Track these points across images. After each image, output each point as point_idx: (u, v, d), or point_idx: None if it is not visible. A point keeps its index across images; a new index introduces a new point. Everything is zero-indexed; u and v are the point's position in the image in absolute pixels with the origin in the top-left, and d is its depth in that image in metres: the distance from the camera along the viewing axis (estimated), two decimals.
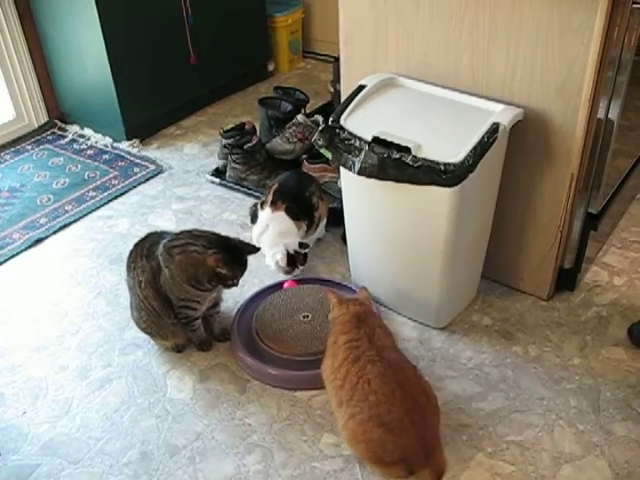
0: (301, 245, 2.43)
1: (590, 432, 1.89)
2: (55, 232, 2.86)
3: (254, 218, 2.53)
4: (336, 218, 2.55)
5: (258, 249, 2.13)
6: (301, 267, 2.45)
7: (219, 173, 3.10)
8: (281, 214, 2.44)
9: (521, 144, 2.07)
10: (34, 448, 1.96)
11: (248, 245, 2.11)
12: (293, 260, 2.41)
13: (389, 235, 2.13)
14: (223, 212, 2.89)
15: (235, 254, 2.05)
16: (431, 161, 1.85)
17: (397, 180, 1.90)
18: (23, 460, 1.93)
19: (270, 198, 2.48)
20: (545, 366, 2.09)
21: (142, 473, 1.87)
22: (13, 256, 2.74)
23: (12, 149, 3.47)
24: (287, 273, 2.43)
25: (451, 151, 1.87)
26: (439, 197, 1.89)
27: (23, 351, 2.29)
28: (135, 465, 1.90)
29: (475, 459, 1.84)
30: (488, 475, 1.80)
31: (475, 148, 1.86)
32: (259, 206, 2.52)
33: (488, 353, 2.15)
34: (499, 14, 1.94)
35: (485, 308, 2.32)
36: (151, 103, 3.43)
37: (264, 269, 2.48)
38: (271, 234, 2.44)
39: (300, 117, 3.07)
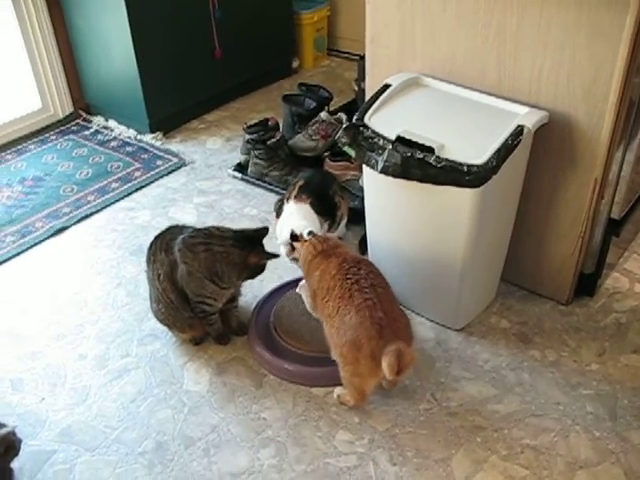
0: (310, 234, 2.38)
1: (606, 439, 1.88)
2: (77, 222, 2.89)
3: (279, 213, 2.52)
4: (356, 217, 2.55)
5: (268, 228, 2.14)
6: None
7: (241, 168, 3.11)
8: (306, 206, 2.43)
9: (545, 147, 2.06)
10: (51, 434, 1.99)
11: (259, 230, 2.12)
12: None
13: (410, 234, 2.13)
14: (244, 207, 2.90)
15: (258, 243, 2.09)
16: (454, 162, 1.85)
17: (420, 180, 1.90)
18: (40, 446, 1.95)
19: (295, 193, 2.48)
20: (562, 371, 2.08)
21: (157, 463, 1.89)
22: (35, 244, 2.77)
23: (37, 139, 3.50)
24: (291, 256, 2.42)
25: (475, 152, 1.86)
26: (461, 198, 1.89)
27: (43, 338, 2.32)
28: (150, 455, 1.91)
29: (489, 461, 1.84)
30: (502, 478, 1.79)
31: (499, 150, 1.85)
32: (284, 200, 2.52)
33: (505, 356, 2.15)
34: (527, 16, 1.93)
35: (503, 311, 2.31)
36: (176, 96, 3.45)
37: (284, 265, 2.48)
38: (294, 222, 2.41)
39: (323, 114, 3.07)
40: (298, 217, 2.40)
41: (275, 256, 2.15)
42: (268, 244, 2.14)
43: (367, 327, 1.81)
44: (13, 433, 1.51)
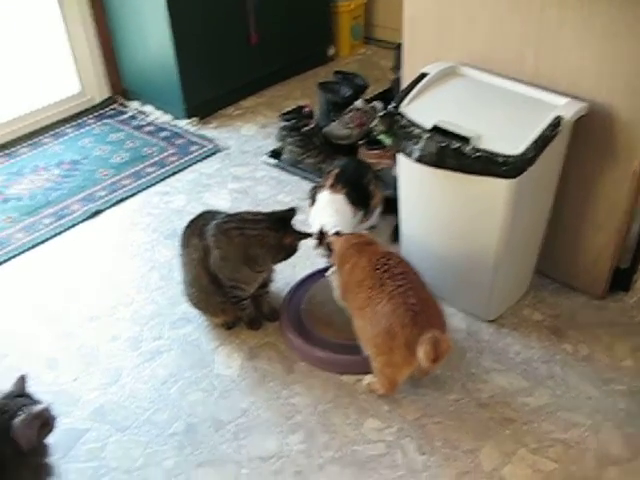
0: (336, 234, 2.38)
1: (639, 436, 1.86)
2: (113, 205, 2.92)
3: (313, 201, 2.53)
4: (390, 206, 2.54)
5: (295, 209, 2.15)
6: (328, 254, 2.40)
7: (276, 155, 3.11)
8: (340, 197, 2.43)
9: (584, 139, 2.03)
10: (84, 413, 2.02)
11: (288, 211, 2.13)
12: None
13: (444, 225, 2.12)
14: (278, 194, 2.91)
15: (290, 224, 2.11)
16: (490, 152, 1.84)
17: (455, 170, 1.89)
18: (74, 424, 1.99)
19: (330, 181, 2.48)
20: (595, 366, 2.06)
21: (187, 445, 1.91)
22: (72, 226, 2.81)
23: (74, 123, 3.54)
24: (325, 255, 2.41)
25: (511, 143, 1.85)
26: (497, 189, 1.88)
27: (77, 319, 2.35)
28: (180, 436, 1.94)
29: (518, 454, 1.83)
30: (530, 471, 1.79)
31: (536, 141, 1.84)
32: (319, 189, 2.52)
33: (537, 349, 2.13)
34: (569, 5, 1.90)
35: (536, 303, 2.29)
36: (212, 82, 3.46)
37: (316, 252, 2.48)
38: (329, 213, 2.42)
39: (359, 103, 3.06)
40: (331, 211, 2.41)
41: (308, 235, 2.18)
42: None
43: (400, 314, 1.80)
44: (48, 410, 1.54)
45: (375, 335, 1.86)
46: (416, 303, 1.82)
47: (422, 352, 1.74)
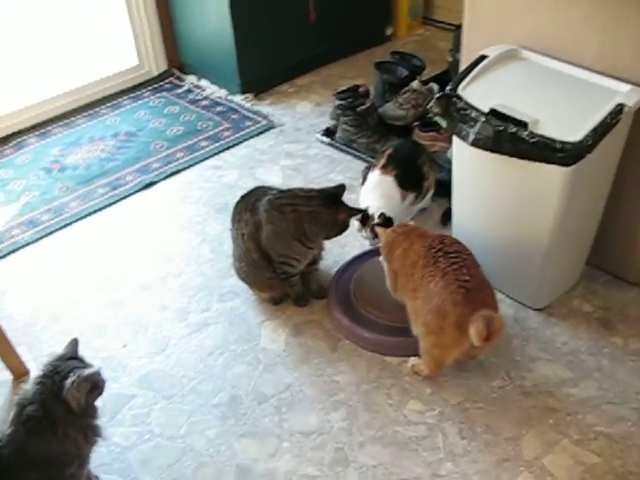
0: (385, 217, 2.34)
1: None
2: (166, 177, 2.96)
3: (364, 180, 2.52)
4: (442, 189, 2.53)
5: (345, 185, 2.15)
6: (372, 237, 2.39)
7: (329, 133, 3.11)
8: (389, 179, 2.42)
9: None
10: (131, 379, 2.07)
11: (339, 187, 2.14)
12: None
13: (497, 210, 2.10)
14: (330, 172, 2.91)
15: (341, 200, 2.13)
16: (548, 138, 1.81)
17: (511, 155, 1.87)
18: (121, 389, 2.04)
19: (383, 162, 2.47)
20: None
21: (230, 416, 1.94)
22: (125, 197, 2.86)
23: (131, 95, 3.59)
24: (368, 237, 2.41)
25: (570, 129, 1.81)
26: (553, 176, 1.85)
27: (128, 288, 2.40)
28: (224, 407, 1.97)
29: (560, 444, 1.81)
30: (572, 462, 1.77)
31: (596, 129, 1.80)
32: (371, 168, 2.52)
33: (585, 340, 2.10)
34: None
35: (587, 294, 2.26)
36: (268, 59, 3.46)
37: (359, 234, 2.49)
38: (375, 196, 2.42)
39: (415, 84, 3.04)
40: (378, 193, 2.40)
41: (361, 211, 2.21)
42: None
43: (453, 290, 1.80)
44: (98, 373, 1.58)
45: (426, 313, 1.85)
46: (469, 280, 1.81)
47: (474, 330, 1.73)
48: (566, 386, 1.96)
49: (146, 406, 1.99)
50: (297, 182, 2.82)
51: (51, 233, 2.67)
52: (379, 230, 2.11)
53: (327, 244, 2.27)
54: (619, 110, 1.82)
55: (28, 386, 1.56)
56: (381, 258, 2.10)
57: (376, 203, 2.35)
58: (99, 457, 1.79)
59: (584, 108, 1.88)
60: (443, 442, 1.84)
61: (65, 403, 1.51)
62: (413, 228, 2.06)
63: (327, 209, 2.08)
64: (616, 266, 2.29)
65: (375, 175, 2.45)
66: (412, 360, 2.01)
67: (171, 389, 2.03)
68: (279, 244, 2.09)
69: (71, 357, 1.59)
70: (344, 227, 2.14)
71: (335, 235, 2.15)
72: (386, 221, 2.31)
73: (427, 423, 1.89)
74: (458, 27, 2.55)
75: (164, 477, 1.81)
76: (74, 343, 1.63)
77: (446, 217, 2.51)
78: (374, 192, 2.41)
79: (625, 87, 1.91)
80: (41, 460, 1.49)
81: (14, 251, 2.59)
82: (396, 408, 1.93)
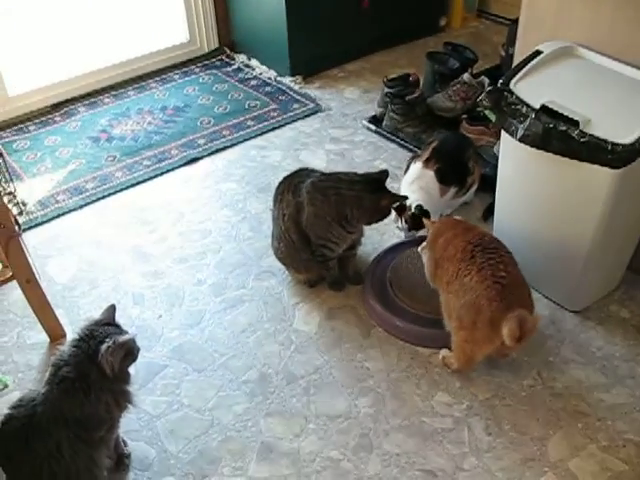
0: (421, 210, 2.34)
1: None
2: (210, 154, 2.98)
3: (407, 170, 2.52)
4: (486, 184, 2.51)
5: (388, 171, 2.15)
6: (407, 228, 2.39)
7: (376, 121, 3.10)
8: (430, 173, 2.41)
9: None
10: (164, 350, 2.10)
11: (382, 173, 2.14)
12: (417, 220, 2.34)
13: (540, 209, 2.08)
14: (375, 160, 2.90)
15: (384, 186, 2.13)
16: (599, 138, 1.78)
17: (559, 153, 1.84)
18: (154, 359, 2.07)
19: (427, 155, 2.46)
20: None
21: (258, 393, 1.96)
22: (169, 170, 2.89)
23: (181, 70, 3.62)
24: (403, 229, 2.41)
25: (622, 131, 1.78)
26: (601, 178, 1.82)
27: (166, 260, 2.43)
28: (253, 384, 1.99)
29: (587, 449, 1.80)
30: (598, 468, 1.75)
31: None
32: (415, 159, 2.51)
33: (620, 346, 2.07)
34: None
35: (625, 300, 2.22)
36: (319, 42, 3.46)
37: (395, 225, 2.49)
38: (414, 188, 2.41)
39: (466, 76, 3.01)
40: (417, 186, 2.39)
41: (405, 198, 2.21)
42: None
43: (488, 286, 1.79)
44: (133, 340, 1.60)
45: (460, 307, 1.85)
46: (505, 276, 1.80)
47: (507, 330, 1.72)
48: (598, 391, 1.94)
49: (177, 377, 2.02)
50: (341, 167, 2.82)
51: (95, 201, 2.71)
52: (426, 221, 2.11)
53: (366, 230, 2.27)
54: None
55: (64, 348, 1.59)
56: (420, 248, 2.09)
57: (414, 195, 2.35)
58: (128, 423, 1.83)
59: (638, 110, 1.84)
60: (469, 436, 1.84)
61: (99, 367, 1.54)
62: (459, 221, 2.06)
63: (370, 194, 2.08)
64: None
65: (417, 167, 2.45)
66: (443, 352, 2.00)
67: (202, 362, 2.06)
68: (319, 227, 2.10)
69: (108, 323, 1.62)
70: (386, 213, 2.14)
71: (377, 221, 2.15)
72: (422, 214, 2.30)
73: (454, 416, 1.89)
74: (514, 21, 2.52)
75: (190, 447, 1.83)
76: (111, 309, 1.66)
77: (488, 212, 2.49)
78: (414, 184, 2.41)
79: None
80: (73, 420, 1.52)
81: (58, 216, 2.64)
82: (424, 398, 1.93)
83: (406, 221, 2.35)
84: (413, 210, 2.32)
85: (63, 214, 2.65)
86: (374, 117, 3.12)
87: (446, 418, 1.88)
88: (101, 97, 3.39)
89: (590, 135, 1.79)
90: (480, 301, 1.79)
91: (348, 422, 1.88)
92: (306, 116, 3.22)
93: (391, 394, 1.95)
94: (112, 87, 3.45)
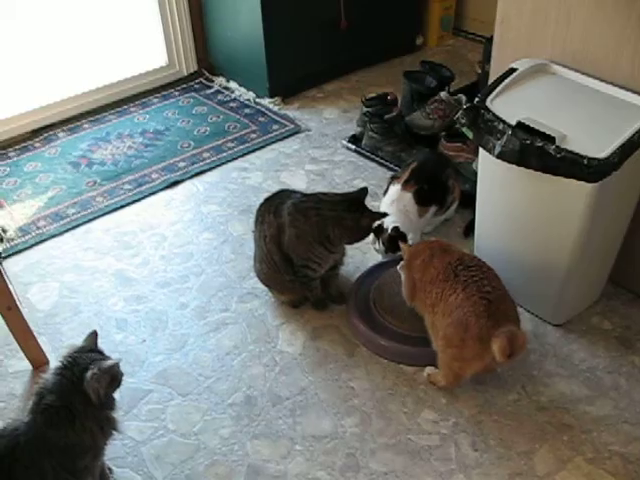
0: (397, 231, 2.35)
1: None
2: (191, 177, 2.98)
3: (387, 190, 2.53)
4: (466, 201, 2.53)
5: (367, 189, 2.15)
6: (384, 250, 2.40)
7: (355, 140, 3.12)
8: (408, 195, 2.43)
9: None
10: (149, 375, 2.09)
11: (361, 191, 2.15)
12: (394, 242, 2.34)
13: (519, 224, 2.10)
14: (355, 179, 2.92)
15: (364, 205, 2.14)
16: (575, 153, 1.80)
17: (537, 169, 1.86)
18: (138, 384, 2.06)
19: (405, 176, 2.47)
20: None
21: (244, 416, 1.95)
22: (150, 194, 2.89)
23: (161, 94, 3.62)
24: (381, 250, 2.42)
25: (597, 146, 1.81)
26: (578, 192, 1.84)
27: (149, 284, 2.42)
28: (239, 407, 1.98)
29: (574, 462, 1.80)
30: None
31: (623, 146, 1.79)
32: (395, 180, 2.52)
33: (603, 358, 2.09)
34: None
35: (607, 312, 2.24)
36: (297, 63, 3.48)
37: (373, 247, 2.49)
38: (392, 210, 2.42)
39: (443, 94, 3.04)
40: (395, 208, 2.41)
41: (385, 215, 2.22)
42: None
43: (475, 302, 1.80)
44: (118, 365, 1.59)
45: (447, 326, 1.85)
46: (491, 292, 1.82)
47: (497, 347, 1.73)
48: (582, 403, 1.95)
49: (162, 402, 2.01)
50: (321, 187, 2.82)
51: (76, 227, 2.70)
52: (402, 244, 2.12)
53: (349, 250, 2.28)
54: None
55: (48, 376, 1.58)
56: (399, 267, 2.10)
57: (392, 218, 2.36)
58: (113, 450, 1.81)
59: (612, 125, 1.87)
60: (456, 453, 1.84)
61: (84, 394, 1.53)
62: (435, 242, 2.08)
63: (351, 214, 2.09)
64: (638, 285, 2.27)
65: (395, 189, 2.46)
66: (428, 369, 2.01)
67: (187, 386, 2.05)
68: (301, 247, 2.10)
69: (90, 349, 1.61)
70: (367, 232, 2.15)
71: (358, 240, 2.16)
72: (399, 236, 2.32)
73: (440, 433, 1.89)
74: (489, 39, 2.55)
75: (176, 473, 1.82)
76: (93, 336, 1.65)
77: (469, 229, 2.51)
78: (392, 206, 2.42)
79: None
80: (56, 449, 1.51)
81: (39, 243, 2.63)
82: (410, 416, 1.93)
83: (383, 243, 2.36)
84: (390, 232, 2.33)
85: (44, 240, 2.64)
86: (353, 136, 3.14)
87: (433, 435, 1.88)
88: (80, 122, 3.38)
89: (566, 150, 1.82)
90: (468, 318, 1.79)
91: (334, 442, 1.88)
92: (286, 137, 3.23)
93: (377, 413, 1.95)
94: (91, 112, 3.45)
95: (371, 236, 2.32)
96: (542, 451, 1.83)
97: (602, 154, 1.78)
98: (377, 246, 2.40)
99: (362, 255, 2.47)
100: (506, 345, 1.72)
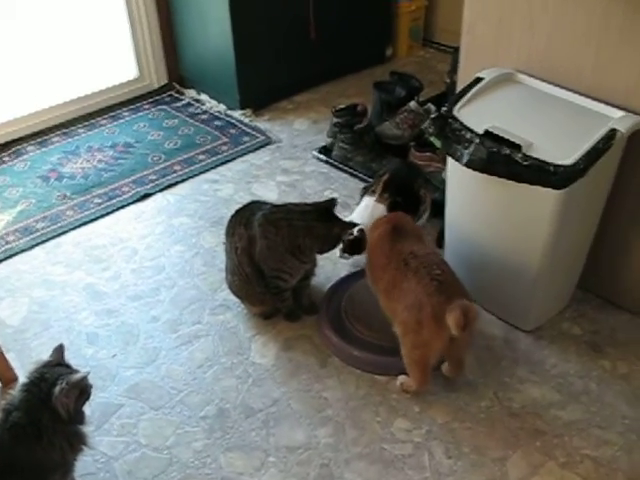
0: (363, 233, 2.33)
1: None
2: (162, 190, 2.97)
3: (359, 202, 2.53)
4: (437, 209, 2.53)
5: (336, 199, 2.17)
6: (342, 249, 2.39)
7: (326, 151, 3.12)
8: (382, 207, 2.43)
9: (638, 154, 2.00)
10: (120, 389, 2.07)
11: (330, 201, 2.16)
12: (357, 244, 2.35)
13: (489, 231, 2.11)
14: (325, 189, 2.92)
15: (333, 214, 2.15)
16: (541, 161, 1.82)
17: (504, 176, 1.88)
18: (109, 399, 2.04)
19: (378, 188, 2.48)
20: (633, 385, 2.03)
21: (217, 429, 1.94)
22: (120, 208, 2.87)
23: (131, 107, 3.61)
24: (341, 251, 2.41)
25: (563, 153, 1.83)
26: (545, 198, 1.86)
27: (120, 298, 2.41)
28: (211, 420, 1.97)
29: (546, 467, 1.81)
30: None
31: (588, 153, 1.82)
32: (368, 191, 2.52)
33: (574, 363, 2.11)
34: (632, 17, 1.87)
35: (577, 317, 2.26)
36: (267, 75, 3.49)
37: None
38: (366, 222, 2.42)
39: (412, 104, 3.06)
40: (368, 218, 2.40)
41: (355, 225, 2.23)
42: None
43: (426, 284, 1.84)
44: (86, 378, 1.58)
45: (402, 310, 1.89)
46: (441, 274, 1.86)
47: (452, 318, 1.75)
48: (554, 408, 1.97)
49: (134, 416, 1.99)
50: (292, 198, 2.83)
51: (46, 241, 2.68)
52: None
53: (320, 261, 2.28)
54: (612, 135, 1.84)
55: (15, 392, 1.56)
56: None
57: (362, 215, 2.36)
58: (84, 466, 1.79)
59: (577, 132, 1.89)
60: (429, 461, 1.84)
61: (52, 410, 1.51)
62: (394, 220, 2.11)
63: (322, 223, 2.10)
64: (606, 290, 2.30)
65: (369, 200, 2.46)
66: (401, 378, 2.01)
67: (159, 400, 2.03)
68: (273, 258, 2.10)
69: (58, 364, 1.59)
70: (338, 241, 2.17)
71: (329, 249, 2.17)
72: (363, 238, 2.31)
73: (414, 441, 1.89)
74: (457, 49, 2.57)
75: None
76: (60, 349, 1.64)
77: (441, 238, 2.51)
78: (365, 215, 2.42)
79: (618, 113, 1.93)
80: (25, 467, 1.49)
81: (8, 257, 2.60)
82: (383, 426, 1.93)
83: (344, 242, 2.34)
84: (355, 234, 2.32)
85: (13, 255, 2.61)
86: (324, 147, 3.15)
87: (406, 444, 1.89)
88: (50, 136, 3.36)
89: (533, 158, 1.84)
90: (421, 299, 1.83)
91: (308, 453, 1.87)
92: (257, 149, 3.23)
93: (350, 423, 1.94)
94: (61, 125, 3.42)
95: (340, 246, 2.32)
96: (515, 457, 1.84)
97: (568, 161, 1.81)
98: (344, 255, 2.39)
99: (333, 265, 2.47)
100: (460, 316, 1.75)
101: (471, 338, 1.94)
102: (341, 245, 2.34)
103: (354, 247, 2.35)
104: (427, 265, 1.89)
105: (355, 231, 2.30)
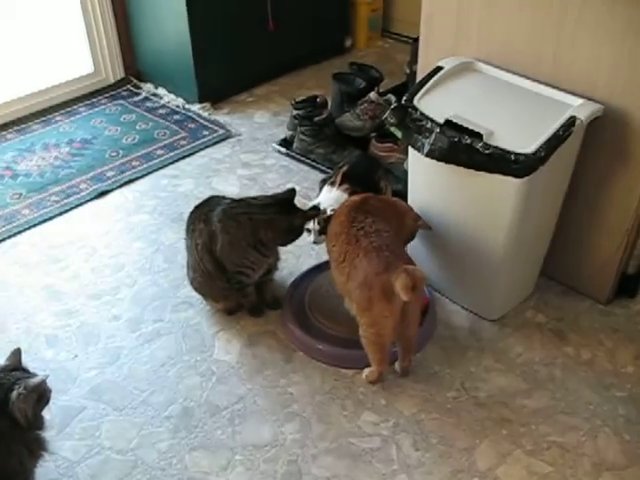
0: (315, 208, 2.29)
1: (637, 443, 1.84)
2: (120, 186, 2.92)
3: (319, 193, 2.50)
4: None
5: (295, 189, 2.15)
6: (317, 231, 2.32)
7: (286, 143, 3.10)
8: (344, 196, 2.41)
9: (597, 141, 2.01)
10: (81, 391, 2.02)
11: (290, 192, 2.15)
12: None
13: (452, 221, 2.11)
14: (287, 182, 2.89)
15: (293, 205, 2.14)
16: (502, 149, 1.82)
17: (466, 165, 1.88)
18: (70, 401, 1.99)
19: (338, 180, 2.45)
20: (596, 371, 2.05)
21: (182, 428, 1.91)
22: (78, 205, 2.81)
23: (87, 102, 3.53)
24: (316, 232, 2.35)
25: (523, 141, 1.83)
26: (507, 187, 1.86)
27: (79, 298, 2.35)
28: (176, 420, 1.93)
29: (513, 455, 1.82)
30: (525, 473, 1.78)
31: (549, 140, 1.82)
32: (327, 182, 2.49)
33: (539, 351, 2.12)
34: (589, 5, 1.88)
35: (540, 305, 2.28)
36: (226, 68, 3.45)
37: (322, 245, 2.47)
38: (328, 201, 2.38)
39: (373, 95, 3.04)
40: (332, 200, 2.37)
41: (316, 213, 2.21)
42: None
43: (375, 265, 1.84)
44: (44, 382, 1.54)
45: (355, 289, 1.89)
46: (389, 255, 1.86)
47: (399, 283, 1.76)
48: (520, 397, 1.97)
49: (96, 419, 1.94)
50: (253, 192, 2.80)
51: (1, 241, 2.61)
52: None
53: (282, 254, 2.25)
54: (571, 123, 1.85)
55: None
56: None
57: (330, 202, 2.31)
58: (46, 472, 1.74)
59: (537, 120, 1.90)
60: (397, 453, 1.83)
61: (9, 416, 1.47)
62: (357, 203, 2.07)
63: (282, 215, 2.09)
64: (569, 277, 2.32)
65: (330, 190, 2.43)
66: (366, 371, 2.00)
67: (122, 401, 1.99)
68: (235, 253, 2.08)
69: (14, 368, 1.55)
70: (300, 232, 2.15)
71: (291, 241, 2.16)
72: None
73: (381, 434, 1.88)
74: (416, 39, 2.56)
75: None
76: (17, 353, 1.60)
77: None
78: (331, 198, 2.37)
79: (577, 101, 1.94)
80: None
81: None
82: (350, 419, 1.92)
83: (319, 222, 2.29)
84: (329, 213, 2.29)
85: None
86: (284, 140, 3.12)
87: (374, 437, 1.88)
88: (4, 132, 3.27)
89: (494, 147, 1.84)
90: (369, 278, 1.84)
91: (275, 450, 1.85)
92: (216, 142, 3.19)
93: (317, 418, 1.93)
94: (15, 122, 3.34)
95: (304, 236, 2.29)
96: (482, 446, 1.84)
97: (529, 149, 1.81)
98: (312, 225, 2.33)
99: (296, 259, 2.45)
100: (407, 279, 1.75)
101: (419, 312, 1.93)
102: (315, 228, 2.31)
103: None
104: (377, 246, 1.88)
105: (328, 210, 2.27)
